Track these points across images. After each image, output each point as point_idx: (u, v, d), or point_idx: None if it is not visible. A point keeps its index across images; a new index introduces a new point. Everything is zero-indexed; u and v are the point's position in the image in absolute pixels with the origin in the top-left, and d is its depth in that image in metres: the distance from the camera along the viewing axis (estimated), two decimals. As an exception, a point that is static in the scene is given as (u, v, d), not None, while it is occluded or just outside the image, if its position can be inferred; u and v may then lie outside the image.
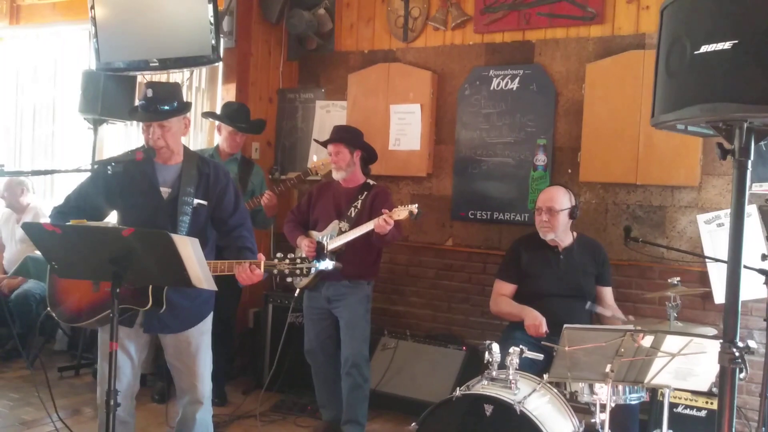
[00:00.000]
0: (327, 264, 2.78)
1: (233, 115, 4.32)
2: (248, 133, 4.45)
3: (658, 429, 2.97)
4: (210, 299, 2.98)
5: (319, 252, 3.64)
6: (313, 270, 2.79)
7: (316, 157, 4.62)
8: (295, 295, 3.83)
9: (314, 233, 3.82)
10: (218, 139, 4.36)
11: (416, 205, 3.42)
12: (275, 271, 2.71)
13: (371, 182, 3.87)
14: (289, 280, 3.69)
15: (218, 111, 4.53)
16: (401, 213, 3.41)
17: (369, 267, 3.79)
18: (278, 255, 2.76)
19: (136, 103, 2.93)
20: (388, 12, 4.85)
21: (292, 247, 3.86)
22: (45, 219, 5.02)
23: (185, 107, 2.91)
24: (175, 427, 3.08)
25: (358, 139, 3.85)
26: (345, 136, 3.81)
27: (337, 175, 3.81)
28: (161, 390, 4.31)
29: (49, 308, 2.81)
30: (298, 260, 2.71)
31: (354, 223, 3.66)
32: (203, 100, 5.18)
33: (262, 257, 2.74)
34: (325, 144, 3.86)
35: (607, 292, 3.69)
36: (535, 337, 3.40)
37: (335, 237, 3.68)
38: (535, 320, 3.43)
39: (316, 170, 4.23)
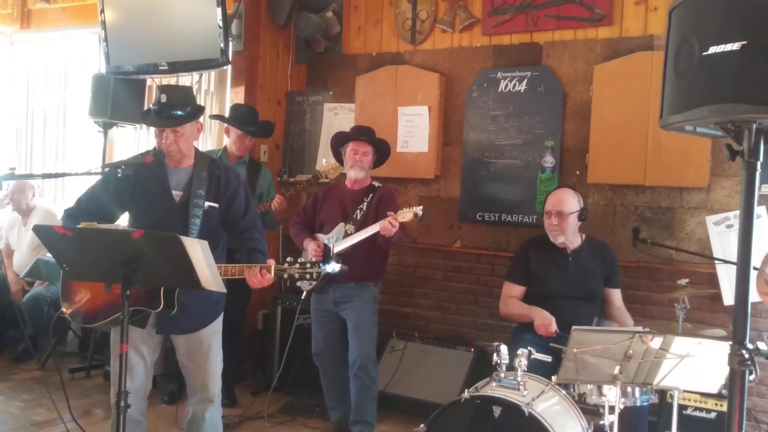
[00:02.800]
0: (334, 266, 2.81)
1: (242, 118, 4.33)
2: (257, 137, 4.46)
3: (667, 431, 2.96)
4: (221, 300, 3.00)
5: (326, 255, 3.66)
6: (321, 273, 2.81)
7: (326, 160, 4.62)
8: (302, 297, 3.84)
9: (320, 236, 3.83)
10: (227, 141, 4.38)
11: (421, 207, 3.43)
12: (285, 275, 2.74)
13: (376, 184, 3.88)
14: (298, 284, 3.71)
15: (227, 114, 4.55)
16: (406, 215, 3.42)
17: (375, 269, 3.80)
18: (288, 259, 2.79)
19: (149, 107, 2.94)
20: (396, 14, 4.86)
21: (299, 249, 3.87)
22: (54, 218, 5.07)
23: (198, 112, 2.93)
24: (185, 426, 3.10)
25: (386, 148, 3.90)
26: (376, 141, 3.85)
27: (356, 174, 3.79)
28: (171, 391, 4.33)
29: (63, 310, 2.83)
30: (308, 264, 2.74)
31: (360, 226, 3.66)
32: (212, 103, 5.21)
33: (272, 262, 2.75)
34: (349, 140, 3.84)
35: (616, 295, 3.69)
36: (545, 336, 3.40)
37: (341, 239, 3.69)
38: (545, 320, 3.43)
39: (326, 174, 4.22)
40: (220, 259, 2.94)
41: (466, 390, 2.78)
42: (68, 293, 2.82)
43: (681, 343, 2.55)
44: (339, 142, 3.90)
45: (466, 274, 4.62)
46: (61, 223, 2.96)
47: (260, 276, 2.70)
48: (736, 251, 1.71)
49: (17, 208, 5.24)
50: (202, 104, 3.88)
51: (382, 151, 3.89)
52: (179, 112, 2.82)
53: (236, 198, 2.96)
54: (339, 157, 3.94)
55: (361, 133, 3.84)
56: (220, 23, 4.23)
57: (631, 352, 2.57)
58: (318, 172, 4.30)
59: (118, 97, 4.67)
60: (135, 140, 5.53)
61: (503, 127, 4.44)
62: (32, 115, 6.23)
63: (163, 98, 2.82)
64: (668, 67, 1.73)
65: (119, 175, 2.77)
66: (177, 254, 2.28)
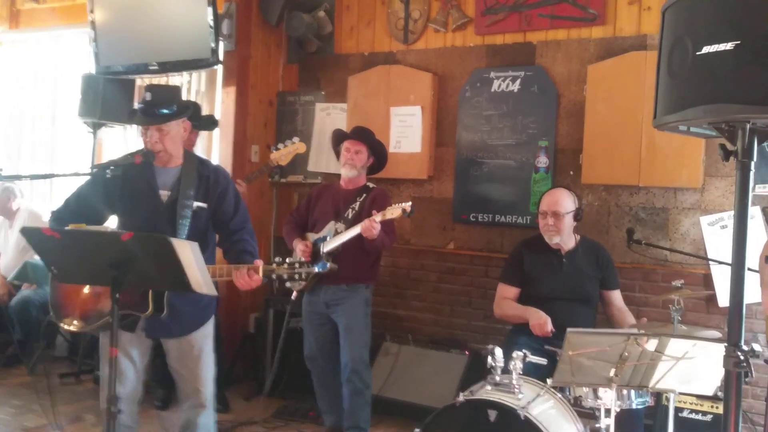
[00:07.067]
0: (323, 266, 2.79)
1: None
2: (201, 130, 4.40)
3: (662, 433, 2.95)
4: (212, 303, 2.96)
5: (316, 254, 3.63)
6: (311, 273, 2.78)
7: (274, 147, 4.53)
8: (292, 298, 3.79)
9: (311, 235, 3.80)
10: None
11: (409, 203, 3.39)
12: (274, 276, 2.71)
13: (371, 185, 3.86)
14: (288, 284, 3.68)
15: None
16: (394, 211, 3.39)
17: (367, 270, 3.76)
18: (277, 259, 2.75)
19: (136, 106, 2.91)
20: (389, 14, 4.84)
21: (291, 250, 3.84)
22: (39, 218, 5.02)
23: (184, 111, 2.89)
24: (179, 432, 3.06)
25: (382, 150, 3.87)
26: (372, 142, 3.81)
27: (347, 172, 3.77)
28: (163, 397, 4.28)
29: (51, 314, 2.79)
30: (297, 264, 2.70)
31: (350, 225, 3.62)
32: (203, 104, 5.16)
33: (260, 262, 2.72)
34: (345, 138, 3.82)
35: (616, 295, 3.66)
36: (541, 336, 3.37)
37: (331, 238, 3.66)
38: (540, 319, 3.40)
39: (277, 161, 4.24)
40: (210, 260, 2.90)
41: (461, 393, 2.76)
42: (56, 297, 2.78)
43: (676, 345, 2.53)
44: (337, 141, 3.87)
45: (459, 275, 4.59)
46: (49, 224, 2.92)
47: (248, 277, 2.66)
48: (731, 252, 1.69)
49: (2, 211, 5.19)
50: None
51: (378, 153, 3.85)
52: (164, 110, 2.79)
53: (225, 198, 2.93)
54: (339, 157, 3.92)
55: (358, 132, 3.81)
56: (211, 23, 4.20)
57: (627, 354, 2.55)
58: (270, 160, 4.30)
59: (107, 97, 4.64)
60: (124, 141, 5.48)
61: (497, 127, 4.42)
62: (21, 116, 6.18)
63: (148, 96, 2.79)
64: (662, 67, 1.72)
65: (108, 175, 2.74)
66: (167, 256, 2.25)
